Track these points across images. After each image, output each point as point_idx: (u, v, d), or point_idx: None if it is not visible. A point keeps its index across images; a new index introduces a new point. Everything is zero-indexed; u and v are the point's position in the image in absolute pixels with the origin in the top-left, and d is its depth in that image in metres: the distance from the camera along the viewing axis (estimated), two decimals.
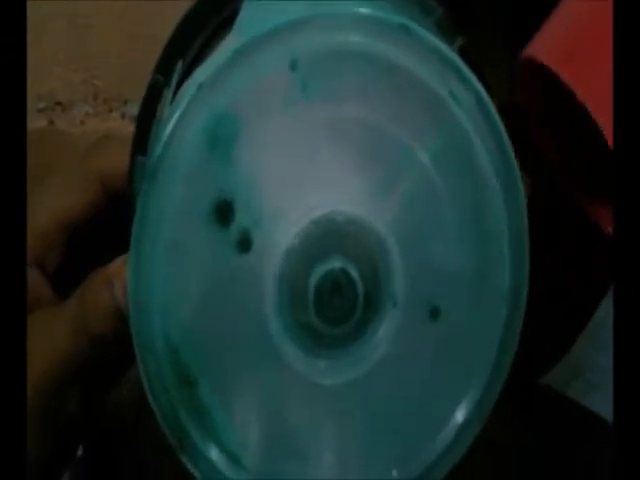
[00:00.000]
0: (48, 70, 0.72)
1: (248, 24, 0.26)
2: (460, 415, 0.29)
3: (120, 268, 0.29)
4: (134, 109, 0.75)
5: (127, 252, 0.29)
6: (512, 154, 0.27)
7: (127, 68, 0.74)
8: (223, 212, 0.26)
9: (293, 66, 0.25)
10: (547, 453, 0.44)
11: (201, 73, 0.25)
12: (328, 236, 0.27)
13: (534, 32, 0.40)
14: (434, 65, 0.26)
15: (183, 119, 0.25)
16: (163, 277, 0.26)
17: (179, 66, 0.28)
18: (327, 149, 0.27)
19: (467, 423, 0.29)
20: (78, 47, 0.73)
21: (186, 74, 0.28)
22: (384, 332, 0.28)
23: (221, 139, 0.25)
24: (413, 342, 0.28)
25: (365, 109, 0.27)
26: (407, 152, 0.27)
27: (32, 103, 0.73)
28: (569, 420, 0.47)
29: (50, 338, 0.30)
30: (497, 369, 0.29)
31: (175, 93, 0.27)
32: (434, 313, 0.28)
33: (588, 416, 0.46)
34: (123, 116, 0.75)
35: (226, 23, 0.28)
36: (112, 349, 0.30)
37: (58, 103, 0.74)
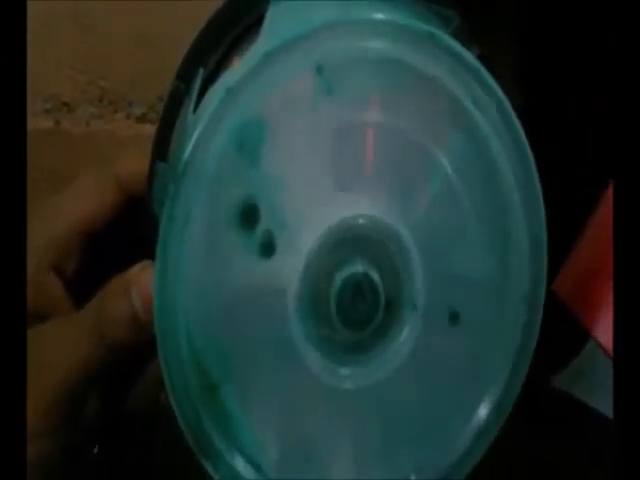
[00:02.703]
0: (54, 71, 0.72)
1: (275, 29, 0.26)
2: (478, 419, 0.29)
3: (138, 275, 0.29)
4: (138, 110, 0.75)
5: (145, 258, 0.29)
6: (532, 161, 0.28)
7: (132, 69, 0.75)
8: (248, 215, 0.26)
9: (319, 70, 0.25)
10: (554, 453, 0.44)
11: (229, 77, 0.25)
12: (350, 240, 0.27)
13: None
14: (457, 72, 0.27)
15: (211, 122, 0.25)
16: (188, 280, 0.26)
17: (200, 73, 0.28)
18: (351, 153, 0.27)
19: (485, 426, 0.29)
20: (84, 48, 0.73)
21: (208, 81, 0.28)
22: (405, 336, 0.28)
23: (248, 142, 0.25)
24: (433, 346, 0.29)
25: (389, 114, 0.27)
26: (430, 157, 0.27)
27: (38, 104, 0.73)
28: (575, 421, 0.47)
29: (67, 344, 0.30)
30: (515, 373, 0.29)
31: (198, 100, 0.27)
32: (454, 318, 0.28)
33: (594, 416, 0.47)
34: (128, 117, 0.75)
35: (248, 31, 0.28)
36: (129, 354, 0.30)
37: (64, 104, 0.75)
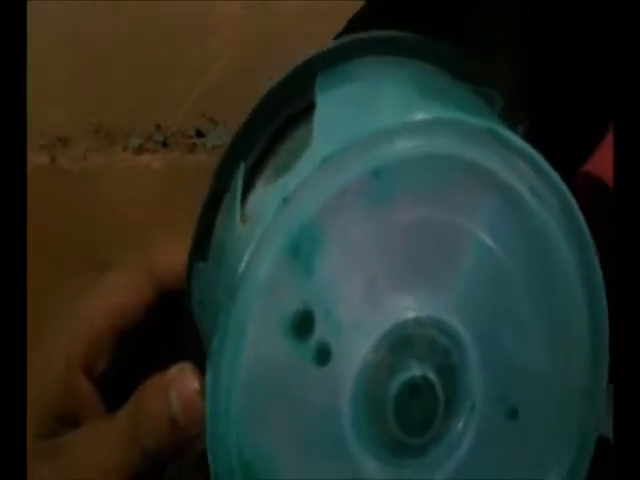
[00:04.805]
0: (49, 105, 0.70)
1: (329, 130, 0.25)
2: None
3: (177, 378, 0.28)
4: (136, 142, 0.73)
5: (180, 357, 0.28)
6: (594, 253, 0.27)
7: (129, 100, 0.73)
8: (303, 324, 0.25)
9: (377, 174, 0.24)
10: None
11: (285, 185, 0.24)
12: (405, 340, 0.26)
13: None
14: (515, 163, 0.26)
15: (267, 233, 0.24)
16: (241, 390, 0.25)
17: (242, 168, 0.27)
18: (404, 252, 0.26)
19: None
20: (79, 80, 0.72)
21: (250, 176, 0.27)
22: (463, 434, 0.27)
23: (303, 249, 0.24)
24: (492, 442, 0.27)
25: (445, 210, 0.26)
26: (485, 251, 0.26)
27: (33, 140, 0.71)
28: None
29: (101, 453, 0.29)
30: (576, 467, 0.28)
31: (243, 196, 0.26)
32: (512, 413, 0.27)
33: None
34: (125, 149, 0.74)
35: (290, 123, 0.27)
36: (165, 459, 0.29)
37: (60, 139, 0.73)
